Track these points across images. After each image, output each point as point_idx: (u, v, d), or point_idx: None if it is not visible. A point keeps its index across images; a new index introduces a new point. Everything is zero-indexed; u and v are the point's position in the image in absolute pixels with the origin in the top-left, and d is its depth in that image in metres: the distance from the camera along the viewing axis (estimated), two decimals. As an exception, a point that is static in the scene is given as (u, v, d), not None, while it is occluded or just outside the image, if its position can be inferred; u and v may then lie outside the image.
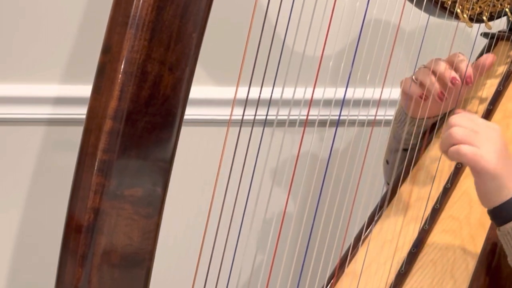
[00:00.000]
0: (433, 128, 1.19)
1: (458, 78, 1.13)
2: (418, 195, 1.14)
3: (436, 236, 1.10)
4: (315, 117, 1.07)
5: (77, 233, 0.81)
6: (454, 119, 0.98)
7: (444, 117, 1.19)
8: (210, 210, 0.93)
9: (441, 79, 1.13)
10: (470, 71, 1.14)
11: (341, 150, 1.19)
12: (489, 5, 1.18)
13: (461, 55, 1.14)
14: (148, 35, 0.79)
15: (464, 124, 0.97)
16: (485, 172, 0.95)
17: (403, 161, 1.19)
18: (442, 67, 1.13)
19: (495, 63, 1.24)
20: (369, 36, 1.13)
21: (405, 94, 1.17)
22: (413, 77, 1.15)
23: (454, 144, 0.96)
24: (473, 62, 1.17)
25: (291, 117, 1.06)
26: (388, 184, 1.23)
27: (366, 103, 1.12)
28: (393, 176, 1.20)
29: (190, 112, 0.91)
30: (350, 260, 1.11)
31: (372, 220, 1.14)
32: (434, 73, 1.13)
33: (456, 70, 1.13)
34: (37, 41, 1.37)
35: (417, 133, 1.19)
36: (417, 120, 1.17)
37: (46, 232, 1.38)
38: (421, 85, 1.14)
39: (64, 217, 0.83)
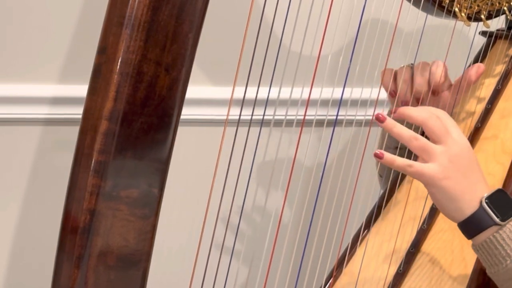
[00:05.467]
0: None
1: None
2: (416, 195, 1.14)
3: (434, 236, 1.09)
4: (313, 117, 1.07)
5: (73, 234, 0.81)
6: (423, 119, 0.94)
7: None
8: (207, 210, 0.93)
9: (408, 84, 1.12)
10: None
11: (338, 150, 1.19)
12: (487, 4, 1.18)
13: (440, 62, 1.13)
14: (143, 35, 0.78)
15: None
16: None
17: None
18: (410, 73, 1.12)
19: (493, 62, 1.24)
20: (367, 36, 1.12)
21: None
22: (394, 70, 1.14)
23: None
24: (470, 62, 1.17)
25: (288, 117, 1.05)
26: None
27: (363, 102, 1.12)
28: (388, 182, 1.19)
29: (187, 112, 0.91)
30: (348, 260, 1.11)
31: (370, 220, 1.14)
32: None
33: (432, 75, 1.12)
34: (34, 41, 1.37)
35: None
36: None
37: (42, 233, 1.37)
38: (396, 80, 1.13)
39: (60, 217, 0.82)
